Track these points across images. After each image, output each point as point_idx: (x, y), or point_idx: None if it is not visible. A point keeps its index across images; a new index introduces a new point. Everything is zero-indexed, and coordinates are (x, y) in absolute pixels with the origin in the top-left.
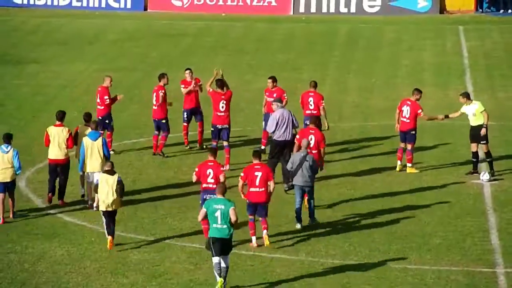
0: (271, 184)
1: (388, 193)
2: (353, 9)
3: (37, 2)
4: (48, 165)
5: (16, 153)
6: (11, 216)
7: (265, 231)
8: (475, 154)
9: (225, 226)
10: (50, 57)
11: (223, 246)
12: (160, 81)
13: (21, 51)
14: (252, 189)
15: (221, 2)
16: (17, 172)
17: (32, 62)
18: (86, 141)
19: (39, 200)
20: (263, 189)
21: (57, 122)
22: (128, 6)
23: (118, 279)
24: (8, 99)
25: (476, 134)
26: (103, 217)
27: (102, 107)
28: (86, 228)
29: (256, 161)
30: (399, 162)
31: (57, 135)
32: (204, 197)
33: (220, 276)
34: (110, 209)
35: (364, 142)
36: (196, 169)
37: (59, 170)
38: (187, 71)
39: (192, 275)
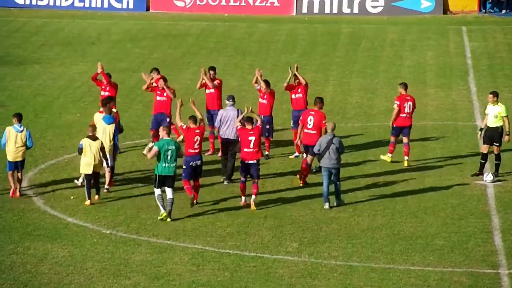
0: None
1: (391, 194)
2: (356, 10)
3: (39, 3)
4: None
5: (29, 133)
6: (17, 195)
7: (253, 197)
8: (485, 156)
9: (173, 165)
10: (52, 58)
11: (168, 182)
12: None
13: (23, 52)
14: (245, 150)
15: (223, 3)
16: (29, 148)
17: (34, 63)
18: (98, 121)
19: (41, 201)
20: (255, 149)
21: (102, 109)
22: (131, 6)
23: (121, 280)
24: (10, 100)
25: (492, 136)
26: (85, 180)
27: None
28: (88, 229)
29: (249, 127)
30: (390, 155)
31: (98, 121)
32: (191, 163)
33: (165, 209)
34: (91, 172)
35: (367, 143)
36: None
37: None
38: (212, 72)
39: (194, 276)
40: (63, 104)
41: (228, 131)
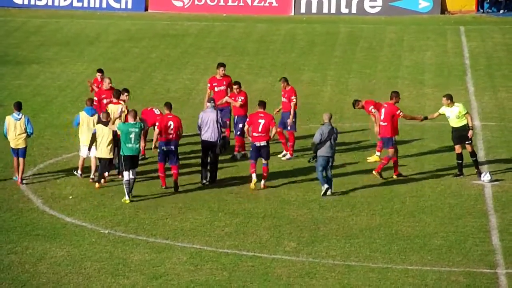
0: (273, 129)
1: (389, 194)
2: (354, 10)
3: (38, 3)
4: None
5: (27, 119)
6: (19, 182)
7: (263, 181)
8: (460, 156)
9: (136, 146)
10: (51, 58)
11: (133, 162)
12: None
13: (22, 52)
14: (255, 134)
15: (222, 3)
16: (30, 135)
17: (33, 62)
18: (82, 115)
19: (39, 200)
20: (264, 134)
21: (114, 100)
22: (129, 6)
23: (119, 280)
24: (9, 100)
25: (461, 135)
26: (100, 164)
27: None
28: (86, 229)
29: (260, 109)
30: (378, 153)
31: (115, 111)
32: (163, 148)
33: (129, 194)
34: (106, 156)
35: (365, 143)
36: (157, 123)
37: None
38: (222, 68)
39: (192, 276)
40: (61, 103)
41: (207, 133)
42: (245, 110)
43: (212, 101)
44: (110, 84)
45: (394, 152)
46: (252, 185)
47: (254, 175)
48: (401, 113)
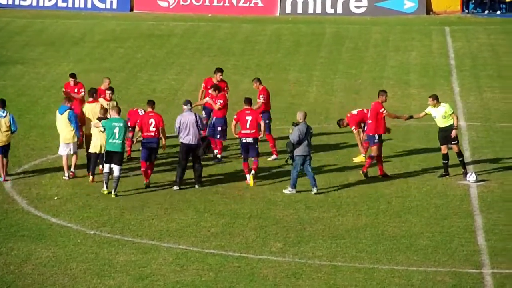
0: (261, 123)
1: (374, 194)
2: (339, 10)
3: (22, 3)
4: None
5: (12, 117)
6: (3, 179)
7: (253, 172)
8: (446, 156)
9: (120, 142)
10: (36, 58)
11: (116, 158)
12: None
13: (6, 52)
14: (243, 131)
15: (207, 3)
16: (13, 132)
17: (17, 63)
18: (57, 114)
19: (24, 201)
20: (253, 131)
21: (90, 99)
22: (114, 6)
23: (105, 281)
24: None
25: (447, 136)
26: (92, 158)
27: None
28: (72, 230)
29: (247, 106)
30: (363, 155)
31: (91, 111)
32: (145, 145)
33: (108, 187)
34: (101, 151)
35: (350, 143)
36: (138, 120)
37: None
38: (219, 73)
39: (178, 277)
40: (46, 104)
41: (188, 136)
42: (223, 112)
43: (188, 104)
44: (109, 85)
45: (377, 150)
46: (250, 183)
47: (248, 176)
48: (385, 112)
